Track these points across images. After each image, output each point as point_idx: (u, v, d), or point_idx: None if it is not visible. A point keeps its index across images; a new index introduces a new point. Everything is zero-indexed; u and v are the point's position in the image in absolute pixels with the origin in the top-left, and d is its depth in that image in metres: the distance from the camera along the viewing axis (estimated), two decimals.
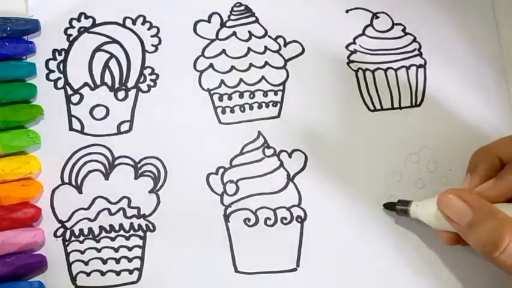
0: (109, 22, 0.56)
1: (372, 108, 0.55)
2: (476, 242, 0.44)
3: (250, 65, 0.56)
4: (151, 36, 0.56)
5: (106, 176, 0.53)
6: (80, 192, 0.53)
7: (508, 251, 0.42)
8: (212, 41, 0.56)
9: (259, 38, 0.56)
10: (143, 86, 0.55)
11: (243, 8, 0.57)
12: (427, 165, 0.54)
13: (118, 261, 0.52)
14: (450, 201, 0.46)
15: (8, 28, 0.54)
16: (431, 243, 0.52)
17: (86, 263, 0.51)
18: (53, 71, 0.55)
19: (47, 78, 0.55)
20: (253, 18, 0.57)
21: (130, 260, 0.52)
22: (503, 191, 0.46)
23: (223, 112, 0.55)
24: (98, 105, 0.55)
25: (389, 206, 0.52)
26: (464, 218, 0.45)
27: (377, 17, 0.57)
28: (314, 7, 0.57)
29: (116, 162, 0.53)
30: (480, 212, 0.44)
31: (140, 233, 0.52)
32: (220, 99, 0.55)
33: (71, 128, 0.54)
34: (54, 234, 0.52)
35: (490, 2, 0.57)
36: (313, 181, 0.53)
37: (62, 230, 0.52)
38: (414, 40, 0.56)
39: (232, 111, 0.55)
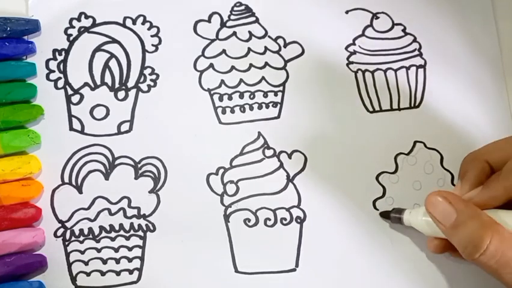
0: (109, 22, 0.56)
1: (371, 109, 0.55)
2: (459, 243, 0.45)
3: (251, 65, 0.56)
4: (151, 36, 0.56)
5: (106, 176, 0.53)
6: (80, 192, 0.53)
7: (489, 252, 0.43)
8: (212, 41, 0.56)
9: (260, 38, 0.56)
10: (144, 86, 0.55)
11: (243, 7, 0.57)
12: (424, 167, 0.54)
13: (118, 261, 0.52)
14: (436, 202, 0.46)
15: (8, 28, 0.54)
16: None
17: (86, 263, 0.52)
18: (53, 71, 0.55)
19: (47, 78, 0.55)
20: (253, 18, 0.57)
21: (130, 260, 0.52)
22: (490, 198, 0.46)
23: (224, 112, 0.55)
24: (98, 105, 0.55)
25: (384, 215, 0.52)
26: (448, 219, 0.45)
27: (377, 17, 0.57)
28: (314, 8, 0.57)
29: (116, 162, 0.53)
30: (464, 213, 0.45)
31: (140, 233, 0.52)
32: (221, 99, 0.55)
33: (71, 128, 0.54)
34: (55, 234, 0.52)
35: (490, 2, 0.57)
36: (313, 182, 0.53)
37: (62, 230, 0.52)
38: (415, 40, 0.56)
39: (232, 111, 0.55)
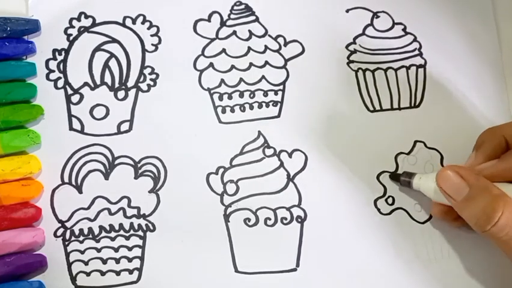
0: (109, 21, 0.56)
1: (371, 108, 0.55)
2: (470, 216, 0.45)
3: (251, 64, 0.56)
4: (151, 35, 0.56)
5: (106, 176, 0.53)
6: (80, 192, 0.53)
7: (500, 224, 0.43)
8: (212, 40, 0.56)
9: (260, 37, 0.56)
10: (143, 86, 0.55)
11: (243, 6, 0.57)
12: (424, 167, 0.54)
13: (118, 261, 0.52)
14: (448, 177, 0.46)
15: (8, 28, 0.54)
16: (429, 243, 0.52)
17: (86, 263, 0.52)
18: (53, 71, 0.55)
19: (47, 78, 0.55)
20: (253, 17, 0.57)
21: (130, 260, 0.52)
22: (504, 172, 0.47)
23: (224, 111, 0.55)
24: (98, 105, 0.55)
25: (394, 177, 0.53)
26: (460, 193, 0.46)
27: (378, 17, 0.57)
28: (314, 6, 0.57)
29: (116, 162, 0.53)
30: (476, 187, 0.45)
31: (140, 233, 0.52)
32: (220, 98, 0.55)
33: (71, 128, 0.54)
34: (54, 234, 0.52)
35: (490, 2, 0.57)
36: (313, 181, 0.53)
37: (62, 230, 0.52)
38: (415, 40, 0.56)
39: (232, 110, 0.55)
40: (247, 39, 0.56)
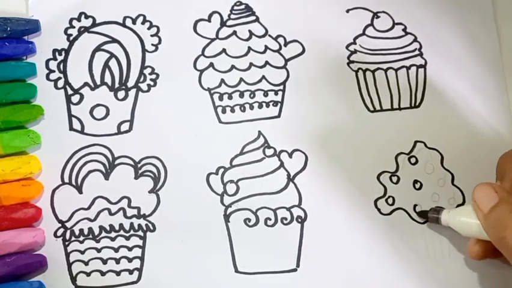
0: (109, 22, 0.56)
1: (371, 109, 0.55)
2: (489, 223, 0.45)
3: (251, 64, 0.56)
4: (151, 35, 0.56)
5: (106, 176, 0.53)
6: (80, 192, 0.53)
7: None
8: (212, 40, 0.56)
9: (260, 37, 0.56)
10: (143, 86, 0.55)
11: (243, 7, 0.57)
12: (425, 167, 0.54)
13: (118, 261, 0.52)
14: (483, 188, 0.47)
15: (9, 28, 0.54)
16: (430, 243, 0.52)
17: (86, 263, 0.51)
18: (53, 71, 0.55)
19: (47, 78, 0.55)
20: (253, 17, 0.57)
21: (130, 260, 0.52)
22: None
23: (224, 111, 0.55)
24: (98, 105, 0.55)
25: (422, 214, 0.52)
26: (489, 204, 0.46)
27: (378, 17, 0.57)
28: (315, 6, 0.57)
29: (116, 162, 0.53)
30: (504, 198, 0.45)
31: (140, 233, 0.52)
32: (221, 98, 0.55)
33: (71, 128, 0.54)
34: (55, 234, 0.52)
35: (490, 2, 0.57)
36: (314, 181, 0.53)
37: (62, 230, 0.52)
38: (415, 40, 0.56)
39: (232, 110, 0.55)
40: (247, 39, 0.56)
